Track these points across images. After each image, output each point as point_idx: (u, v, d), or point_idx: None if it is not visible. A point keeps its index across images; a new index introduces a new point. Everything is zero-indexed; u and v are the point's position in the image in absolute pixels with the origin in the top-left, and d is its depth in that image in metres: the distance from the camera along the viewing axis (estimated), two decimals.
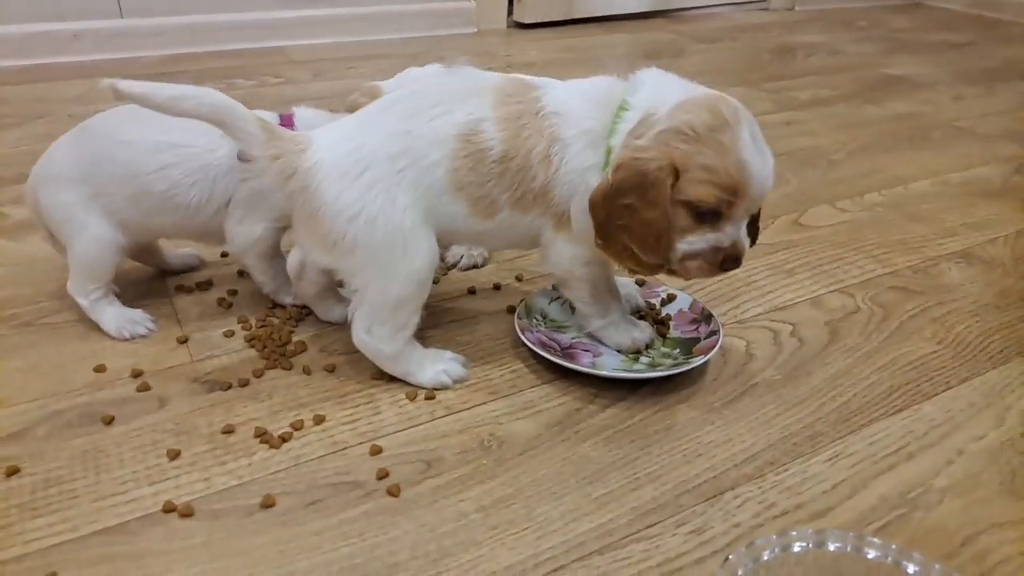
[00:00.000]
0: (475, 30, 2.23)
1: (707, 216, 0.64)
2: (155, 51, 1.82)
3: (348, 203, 0.66)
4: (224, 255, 0.96)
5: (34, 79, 1.63)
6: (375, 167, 0.66)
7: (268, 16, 1.95)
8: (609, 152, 0.66)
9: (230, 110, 0.65)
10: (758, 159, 0.63)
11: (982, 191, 1.25)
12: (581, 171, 0.67)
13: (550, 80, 0.71)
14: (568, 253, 0.72)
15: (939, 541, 0.60)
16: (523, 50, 2.07)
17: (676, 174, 0.62)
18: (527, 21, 2.26)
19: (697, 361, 0.75)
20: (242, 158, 0.77)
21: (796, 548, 0.50)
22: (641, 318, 0.83)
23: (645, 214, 0.62)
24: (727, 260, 0.66)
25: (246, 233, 0.80)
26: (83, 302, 0.80)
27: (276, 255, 0.84)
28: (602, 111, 0.67)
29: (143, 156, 0.76)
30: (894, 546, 0.50)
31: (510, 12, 2.29)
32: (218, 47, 1.88)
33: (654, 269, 0.67)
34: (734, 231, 0.65)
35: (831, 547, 0.50)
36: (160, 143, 0.77)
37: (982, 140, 1.51)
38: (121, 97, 0.64)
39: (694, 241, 0.65)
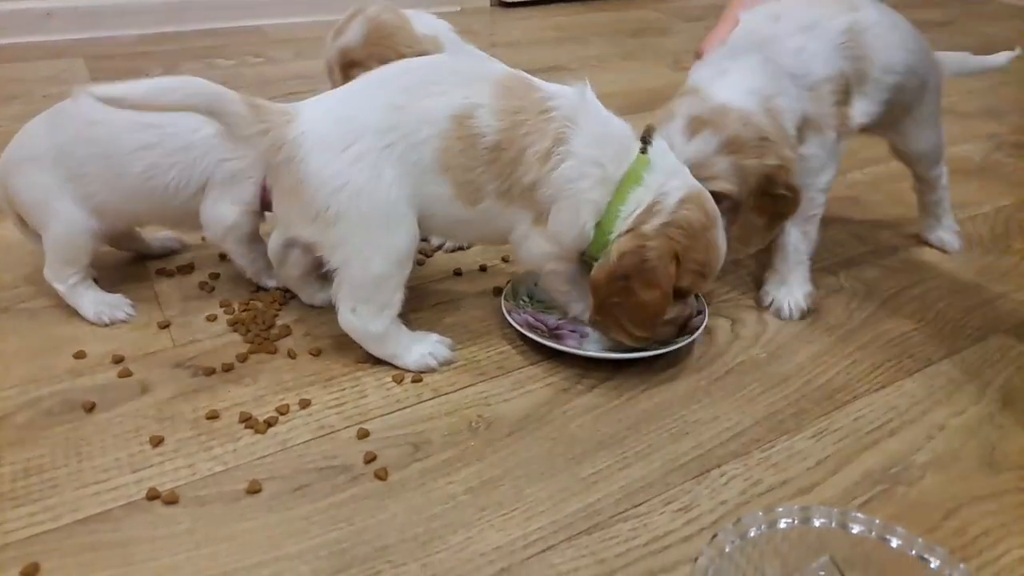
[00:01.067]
0: (458, 9, 2.20)
1: (686, 293, 0.74)
2: (132, 30, 1.77)
3: (333, 174, 0.65)
4: (205, 238, 0.95)
5: (7, 59, 1.59)
6: (363, 140, 0.65)
7: None
8: (614, 219, 0.69)
9: (213, 94, 0.64)
10: (724, 249, 0.73)
11: (963, 169, 1.25)
12: (579, 193, 0.68)
13: (561, 86, 0.70)
14: (540, 249, 0.72)
15: (921, 515, 0.61)
16: (507, 29, 2.04)
17: (677, 263, 0.69)
18: (511, 0, 2.24)
19: (684, 340, 0.75)
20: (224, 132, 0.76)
21: (782, 524, 0.50)
22: None
23: (643, 296, 0.69)
24: (687, 320, 0.77)
25: (221, 217, 0.79)
26: (61, 288, 0.79)
27: (255, 238, 0.83)
28: (618, 159, 0.69)
29: (121, 135, 0.75)
30: (877, 521, 0.50)
31: None
32: (196, 26, 1.84)
33: (640, 341, 0.72)
34: (692, 299, 0.78)
35: (816, 523, 0.51)
36: (139, 123, 0.75)
37: (963, 118, 1.52)
38: (102, 102, 0.61)
39: (671, 311, 0.73)
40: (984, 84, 1.71)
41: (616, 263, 0.68)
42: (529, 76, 0.71)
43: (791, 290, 0.86)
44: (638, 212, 0.69)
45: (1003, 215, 1.12)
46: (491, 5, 2.26)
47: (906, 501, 0.62)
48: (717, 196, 0.73)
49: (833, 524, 0.51)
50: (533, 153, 0.67)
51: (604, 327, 0.73)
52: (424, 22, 0.90)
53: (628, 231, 0.69)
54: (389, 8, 0.90)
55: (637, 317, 0.70)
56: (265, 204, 0.82)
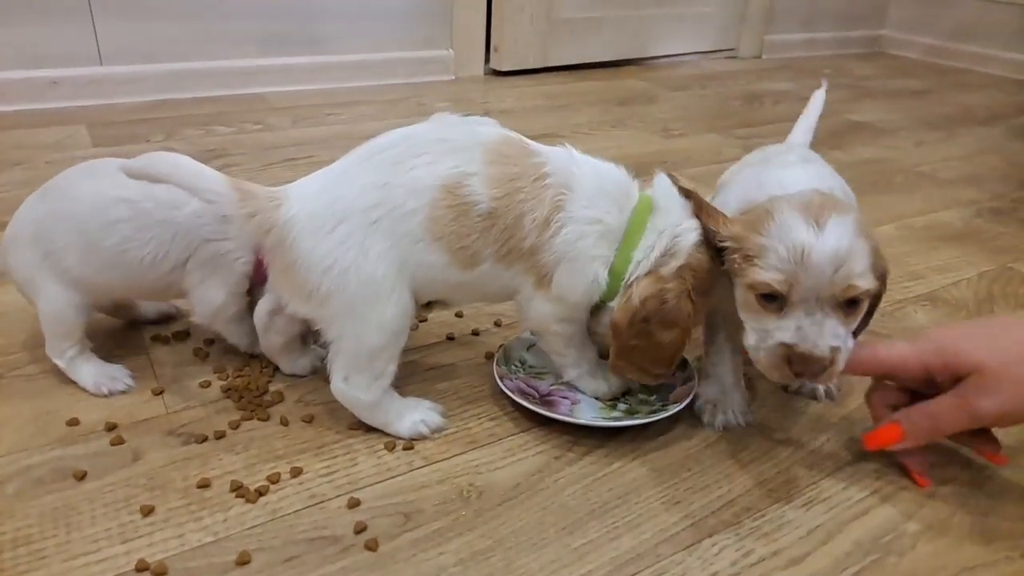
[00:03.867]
0: (453, 77, 2.27)
1: None
2: (134, 98, 1.82)
3: (322, 255, 0.67)
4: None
5: (11, 126, 1.62)
6: (349, 219, 0.67)
7: (247, 64, 1.98)
8: (626, 264, 0.71)
9: (195, 173, 0.66)
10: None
11: (944, 235, 1.29)
12: (584, 251, 0.70)
13: (552, 148, 0.72)
14: (545, 310, 0.73)
15: None
16: (500, 97, 2.11)
17: (691, 301, 0.70)
18: (504, 69, 2.32)
19: (674, 408, 0.76)
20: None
21: None
22: None
23: (663, 336, 0.71)
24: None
25: (209, 300, 0.79)
26: (60, 363, 0.79)
27: (244, 316, 0.82)
28: (618, 211, 0.71)
29: (92, 210, 0.75)
30: None
31: (487, 60, 2.34)
32: (197, 94, 1.89)
33: (658, 378, 0.75)
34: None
35: None
36: (115, 197, 0.75)
37: (943, 185, 1.56)
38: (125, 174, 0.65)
39: None
40: (964, 152, 1.77)
41: (639, 307, 0.69)
42: (522, 138, 0.73)
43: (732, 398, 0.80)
44: (654, 255, 0.70)
45: (986, 280, 1.14)
46: (484, 74, 2.34)
47: (898, 571, 0.62)
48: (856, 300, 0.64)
49: None
50: (531, 220, 0.69)
51: (621, 371, 0.75)
52: None
53: (648, 274, 0.70)
54: None
55: (657, 357, 0.72)
56: (257, 285, 0.81)
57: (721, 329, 0.80)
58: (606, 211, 0.70)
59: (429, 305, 0.98)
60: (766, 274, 0.64)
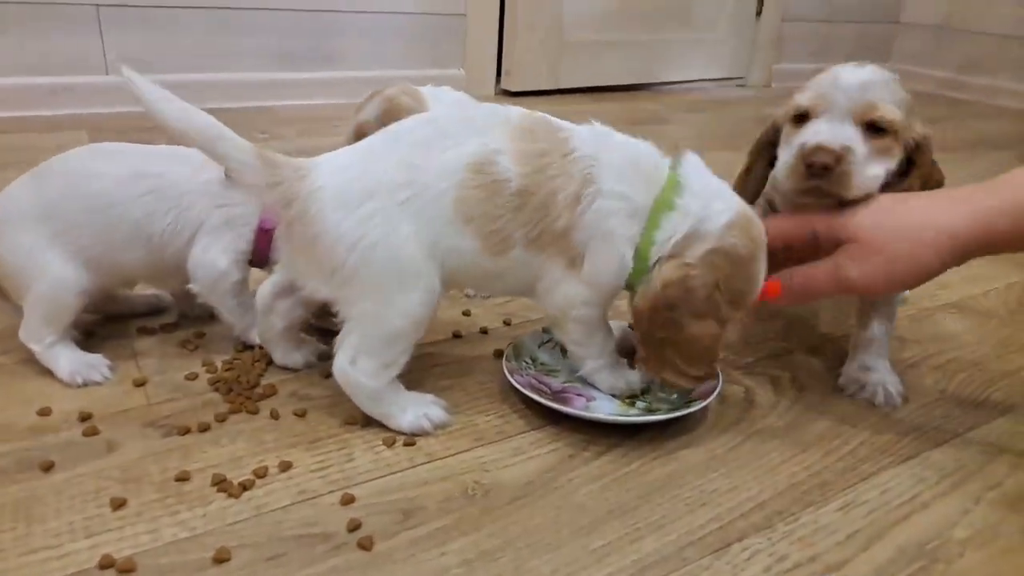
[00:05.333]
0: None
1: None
2: (140, 107, 1.80)
3: (348, 230, 0.62)
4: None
5: (12, 130, 1.60)
6: (377, 196, 0.63)
7: (256, 77, 1.97)
8: (650, 246, 0.66)
9: (222, 137, 0.63)
10: (762, 280, 0.69)
11: None
12: (613, 231, 0.65)
13: (576, 125, 0.69)
14: (572, 292, 0.68)
15: None
16: None
17: (718, 291, 0.66)
18: (515, 89, 2.31)
19: (696, 406, 0.70)
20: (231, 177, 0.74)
21: None
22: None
23: (694, 329, 0.65)
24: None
25: (211, 263, 0.76)
26: (36, 348, 0.74)
27: (245, 290, 0.79)
28: (647, 186, 0.66)
29: (122, 185, 0.74)
30: None
31: (498, 80, 2.33)
32: (205, 105, 1.87)
33: (697, 381, 0.70)
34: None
35: None
36: (136, 172, 0.75)
37: None
38: (134, 91, 0.62)
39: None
40: (983, 172, 1.73)
41: (661, 292, 0.64)
42: (547, 116, 0.69)
43: (883, 376, 0.79)
44: (676, 238, 0.65)
45: (1015, 291, 1.09)
46: (496, 94, 2.32)
47: None
48: (879, 126, 0.70)
49: None
50: (563, 198, 0.64)
51: (655, 368, 0.69)
52: (445, 98, 0.93)
53: (670, 257, 0.65)
54: (407, 89, 0.93)
55: (690, 352, 0.66)
56: (256, 258, 0.79)
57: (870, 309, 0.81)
58: (634, 187, 0.66)
59: None
60: (800, 96, 0.72)
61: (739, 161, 1.70)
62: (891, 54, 3.13)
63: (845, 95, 0.69)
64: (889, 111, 0.69)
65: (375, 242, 0.63)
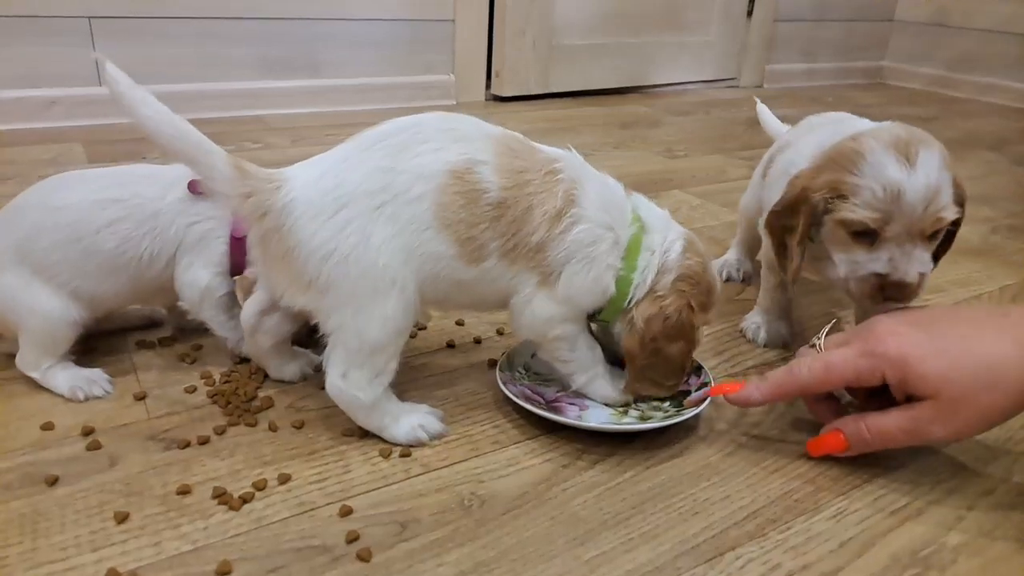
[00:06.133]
0: (454, 103, 2.26)
1: None
2: (122, 109, 1.81)
3: (322, 242, 0.63)
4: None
5: (6, 143, 1.60)
6: (352, 205, 0.63)
7: (248, 86, 1.97)
8: (629, 283, 0.70)
9: (198, 145, 0.63)
10: (718, 280, 0.76)
11: (963, 250, 1.25)
12: (599, 258, 0.68)
13: (558, 149, 0.71)
14: (546, 312, 0.69)
15: None
16: (501, 122, 2.07)
17: (691, 310, 0.71)
18: (505, 94, 2.31)
19: (689, 413, 0.71)
20: (194, 191, 0.75)
21: None
22: None
23: (670, 350, 0.71)
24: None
25: (194, 281, 0.77)
26: (35, 375, 0.75)
27: (233, 305, 0.80)
28: (622, 221, 0.71)
29: (87, 215, 0.74)
30: None
31: (488, 86, 2.34)
32: (197, 115, 1.88)
33: (671, 390, 0.75)
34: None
35: None
36: (103, 200, 0.74)
37: None
38: (110, 84, 0.61)
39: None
40: (974, 173, 1.75)
41: (645, 329, 0.70)
42: (526, 139, 0.71)
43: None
44: (650, 276, 0.70)
45: (1008, 294, 1.11)
46: (486, 100, 2.33)
47: None
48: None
49: None
50: (542, 213, 0.66)
51: (637, 388, 0.74)
52: None
53: (647, 294, 0.70)
54: None
55: (667, 370, 0.72)
56: (233, 268, 0.79)
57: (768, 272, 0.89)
58: (615, 220, 0.70)
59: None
60: (861, 212, 0.68)
61: (730, 164, 1.70)
62: (884, 53, 3.15)
63: (912, 214, 0.67)
64: (951, 213, 0.68)
65: (347, 253, 0.63)
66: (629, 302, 0.70)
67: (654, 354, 0.70)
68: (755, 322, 0.92)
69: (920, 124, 0.85)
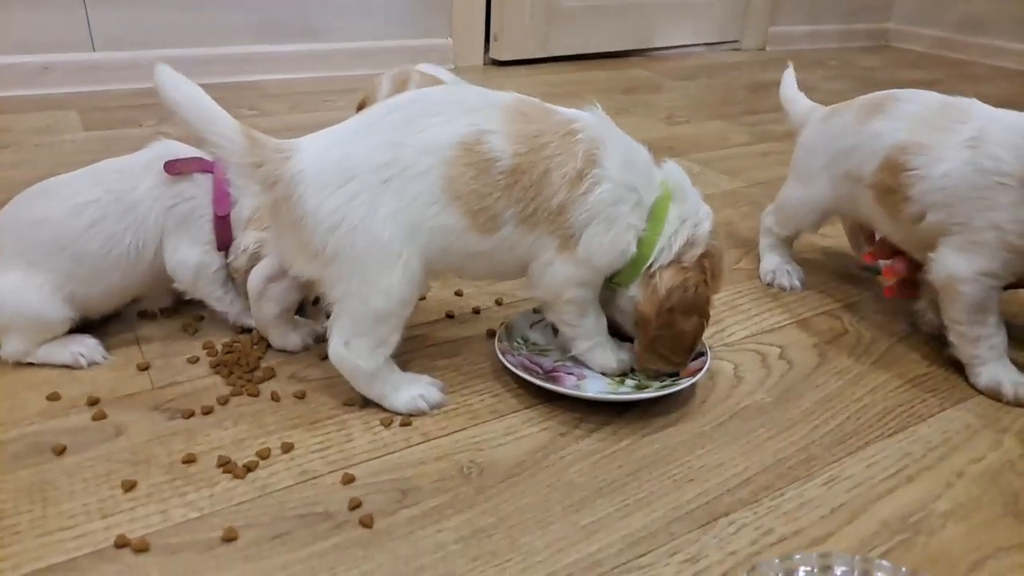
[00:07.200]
0: (452, 67, 2.24)
1: None
2: (128, 84, 1.79)
3: (329, 212, 0.63)
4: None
5: (1, 110, 1.59)
6: (359, 177, 0.63)
7: (242, 50, 1.94)
8: (652, 245, 0.70)
9: (211, 113, 0.63)
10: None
11: None
12: (621, 217, 0.68)
13: (577, 110, 0.70)
14: (565, 274, 0.69)
15: (945, 567, 0.57)
16: (500, 86, 2.06)
17: (707, 286, 0.72)
18: (504, 58, 2.28)
19: (685, 383, 0.72)
20: (172, 171, 0.75)
21: (801, 573, 0.47)
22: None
23: (684, 324, 0.71)
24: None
25: (185, 261, 0.78)
26: (28, 359, 0.75)
27: (227, 278, 0.81)
28: (647, 184, 0.70)
29: (65, 223, 0.74)
30: (904, 569, 0.46)
31: (487, 50, 2.31)
32: (194, 80, 1.86)
33: (679, 366, 0.75)
34: None
35: (837, 571, 0.47)
36: (78, 205, 0.74)
37: None
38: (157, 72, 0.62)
39: None
40: None
41: (665, 298, 0.69)
42: (540, 101, 0.70)
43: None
44: (677, 245, 0.70)
45: None
46: (484, 64, 2.30)
47: (928, 552, 0.58)
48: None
49: (856, 573, 0.47)
50: (561, 175, 0.66)
51: (645, 361, 0.74)
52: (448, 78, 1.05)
53: (671, 263, 0.70)
54: (421, 70, 1.08)
55: (678, 345, 0.72)
56: (219, 243, 0.79)
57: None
58: (640, 183, 0.69)
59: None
60: None
61: (732, 131, 1.68)
62: (889, 15, 3.09)
63: None
64: None
65: (355, 224, 0.63)
66: (651, 264, 0.70)
67: (667, 326, 0.70)
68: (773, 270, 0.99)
69: (924, 87, 0.84)
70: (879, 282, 1.00)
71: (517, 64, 2.30)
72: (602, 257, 0.69)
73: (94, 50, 1.77)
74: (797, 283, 0.99)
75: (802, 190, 0.95)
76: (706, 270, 0.71)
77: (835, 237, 1.15)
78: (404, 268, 0.65)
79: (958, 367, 0.82)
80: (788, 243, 1.02)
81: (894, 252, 0.89)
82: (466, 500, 0.61)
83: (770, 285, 0.99)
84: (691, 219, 0.71)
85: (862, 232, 0.99)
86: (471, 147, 0.64)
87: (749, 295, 0.97)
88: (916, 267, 0.85)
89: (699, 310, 0.71)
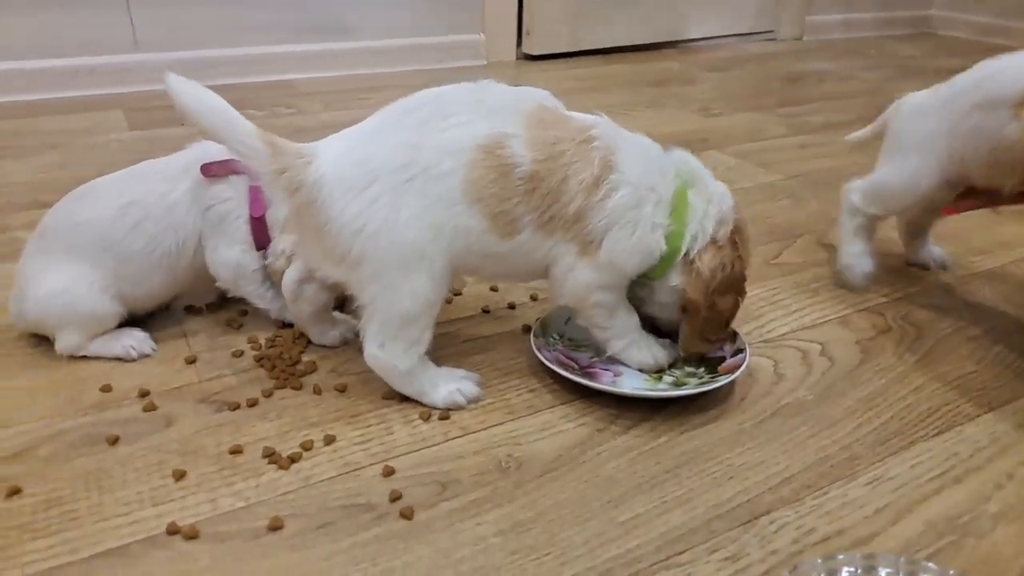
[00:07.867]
0: (485, 62, 2.24)
1: None
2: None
3: (352, 216, 0.64)
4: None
5: (48, 111, 1.64)
6: (382, 179, 0.64)
7: (279, 50, 1.97)
8: (681, 236, 0.70)
9: (231, 121, 0.64)
10: None
11: (1007, 210, 1.21)
12: (646, 219, 0.68)
13: (591, 116, 0.71)
14: (586, 279, 0.70)
15: (995, 570, 0.56)
16: (532, 81, 2.05)
17: (742, 261, 0.73)
18: (536, 53, 2.28)
19: (724, 380, 0.72)
20: (208, 174, 0.77)
21: (844, 573, 0.46)
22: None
23: (722, 303, 0.72)
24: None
25: (226, 261, 0.80)
26: (81, 353, 0.77)
27: (266, 277, 0.82)
28: (663, 179, 0.71)
29: (110, 224, 0.76)
30: (952, 572, 0.46)
31: (519, 44, 2.30)
32: (230, 80, 1.89)
33: (716, 344, 0.76)
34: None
35: (882, 572, 0.47)
36: (121, 205, 0.77)
37: None
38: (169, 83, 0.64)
39: None
40: None
41: (710, 279, 0.70)
42: (560, 106, 0.70)
43: None
44: (710, 225, 0.70)
45: None
46: (517, 58, 2.30)
47: (977, 554, 0.57)
48: None
49: (901, 574, 0.46)
50: (578, 182, 0.66)
51: (688, 345, 0.74)
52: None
53: (708, 244, 0.70)
54: None
55: (716, 323, 0.73)
56: (256, 244, 0.81)
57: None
58: (657, 181, 0.70)
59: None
60: None
61: (768, 122, 1.65)
62: (932, 1, 3.01)
63: None
64: None
65: (377, 228, 0.64)
66: (688, 253, 0.70)
67: (711, 307, 0.71)
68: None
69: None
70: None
71: (550, 59, 2.30)
72: (628, 260, 0.69)
73: (137, 50, 1.82)
74: (865, 281, 0.94)
75: (914, 159, 0.88)
76: (737, 245, 0.71)
77: (882, 230, 1.13)
78: (429, 269, 0.66)
79: (1006, 365, 0.80)
80: (874, 228, 0.96)
81: (976, 205, 0.89)
82: (505, 494, 0.62)
83: (839, 273, 0.95)
84: (715, 199, 0.71)
85: (914, 228, 0.98)
86: (492, 150, 0.65)
87: (789, 290, 0.96)
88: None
89: (735, 287, 0.72)
